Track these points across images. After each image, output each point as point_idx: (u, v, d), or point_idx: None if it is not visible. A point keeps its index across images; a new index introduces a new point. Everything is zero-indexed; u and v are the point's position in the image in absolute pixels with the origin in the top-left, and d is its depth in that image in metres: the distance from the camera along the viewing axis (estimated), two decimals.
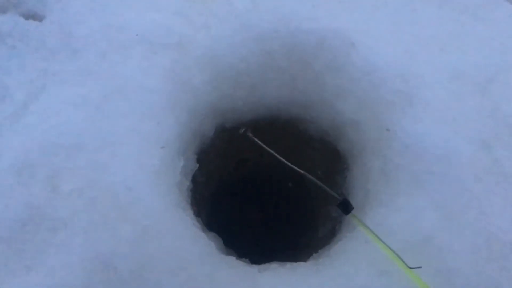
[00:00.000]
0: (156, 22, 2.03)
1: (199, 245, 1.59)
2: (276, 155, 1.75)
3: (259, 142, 1.78)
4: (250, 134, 1.82)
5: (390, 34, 2.12)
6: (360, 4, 2.23)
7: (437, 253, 1.65)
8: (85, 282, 1.50)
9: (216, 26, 2.05)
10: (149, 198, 1.63)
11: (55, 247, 1.57)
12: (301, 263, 1.68)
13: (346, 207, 1.65)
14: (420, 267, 1.52)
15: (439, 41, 2.13)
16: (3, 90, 1.93)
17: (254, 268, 1.64)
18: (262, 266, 1.68)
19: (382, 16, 2.20)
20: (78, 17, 2.10)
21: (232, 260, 1.63)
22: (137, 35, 1.98)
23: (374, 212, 1.72)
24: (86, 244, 1.55)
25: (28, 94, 1.92)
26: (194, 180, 2.03)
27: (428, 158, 1.80)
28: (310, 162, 2.33)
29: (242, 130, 1.85)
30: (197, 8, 2.10)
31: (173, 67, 1.93)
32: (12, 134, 1.80)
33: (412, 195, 1.75)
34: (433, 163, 1.80)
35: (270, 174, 2.35)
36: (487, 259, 1.66)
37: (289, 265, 1.68)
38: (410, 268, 1.52)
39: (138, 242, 1.55)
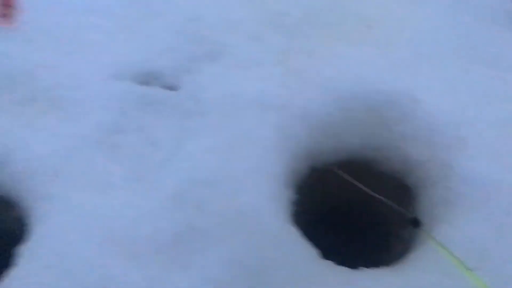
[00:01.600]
0: (264, 89, 2.72)
1: (308, 252, 2.17)
2: (362, 187, 2.32)
3: (349, 178, 2.36)
4: (340, 172, 2.41)
5: (447, 91, 2.69)
6: (421, 67, 2.82)
7: (492, 262, 2.11)
8: (229, 278, 2.08)
9: (309, 91, 2.70)
10: (270, 219, 2.24)
11: (204, 253, 2.18)
12: (384, 267, 2.21)
13: (416, 223, 2.18)
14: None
15: (487, 96, 2.67)
16: (155, 141, 2.65)
17: (349, 271, 2.18)
18: (355, 270, 2.21)
19: (440, 76, 2.78)
20: (204, 87, 2.81)
21: (331, 264, 2.19)
22: (251, 99, 2.67)
23: (439, 229, 2.23)
24: (228, 251, 2.14)
25: (172, 144, 2.60)
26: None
27: (482, 187, 2.31)
28: (382, 195, 2.86)
29: (336, 169, 2.45)
30: (293, 78, 2.77)
31: (278, 122, 2.58)
32: (166, 173, 2.46)
33: (471, 216, 2.25)
34: (486, 192, 2.30)
35: (351, 204, 2.90)
36: None
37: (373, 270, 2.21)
38: (470, 270, 1.98)
39: (264, 249, 2.15)
